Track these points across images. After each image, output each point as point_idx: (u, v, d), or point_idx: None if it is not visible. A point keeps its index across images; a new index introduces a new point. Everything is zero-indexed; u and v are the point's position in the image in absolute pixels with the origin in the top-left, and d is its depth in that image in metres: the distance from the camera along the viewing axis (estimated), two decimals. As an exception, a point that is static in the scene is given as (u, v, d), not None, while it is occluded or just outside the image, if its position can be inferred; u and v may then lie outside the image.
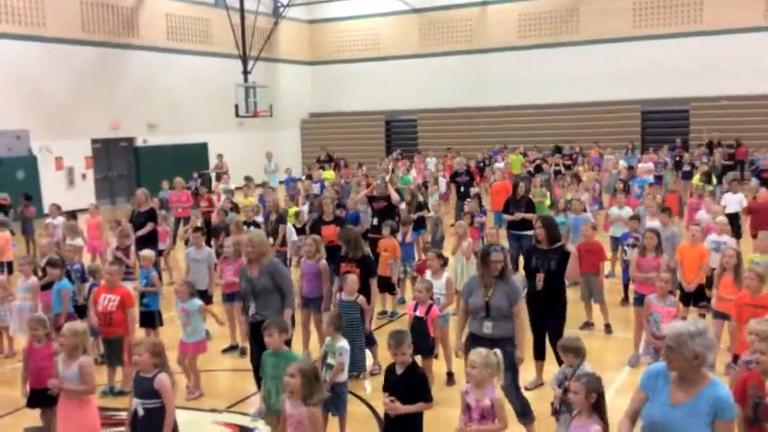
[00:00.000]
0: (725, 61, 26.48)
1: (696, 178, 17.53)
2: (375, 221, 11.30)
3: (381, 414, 5.44)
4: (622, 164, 20.10)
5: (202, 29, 29.37)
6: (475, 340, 5.89)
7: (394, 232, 10.45)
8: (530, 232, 10.31)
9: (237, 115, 27.08)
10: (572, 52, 29.55)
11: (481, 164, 23.94)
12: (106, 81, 24.86)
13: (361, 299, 7.60)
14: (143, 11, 26.63)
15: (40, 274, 8.70)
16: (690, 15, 28.22)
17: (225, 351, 8.93)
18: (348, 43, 35.06)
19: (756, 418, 4.29)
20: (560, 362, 5.72)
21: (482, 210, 13.07)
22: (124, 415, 6.18)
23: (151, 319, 8.54)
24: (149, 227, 12.01)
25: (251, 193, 16.22)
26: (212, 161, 26.67)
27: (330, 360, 6.16)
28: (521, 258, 8.92)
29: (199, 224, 14.06)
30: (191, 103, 27.95)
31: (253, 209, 12.88)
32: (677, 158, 22.75)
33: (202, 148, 28.54)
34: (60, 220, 13.38)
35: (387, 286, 10.00)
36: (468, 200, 13.93)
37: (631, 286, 9.39)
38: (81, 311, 8.44)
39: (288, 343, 5.97)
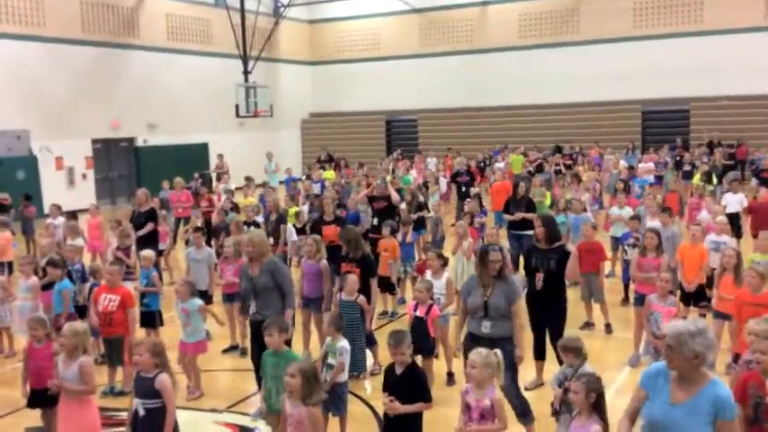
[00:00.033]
0: (725, 61, 26.48)
1: (696, 178, 17.53)
2: (375, 221, 11.31)
3: (381, 414, 5.43)
4: (623, 164, 20.10)
5: (203, 29, 29.37)
6: (473, 340, 5.89)
7: (394, 232, 10.45)
8: (530, 232, 10.29)
9: (238, 115, 27.08)
10: (572, 52, 29.55)
11: (482, 164, 23.93)
12: (106, 81, 24.87)
13: (362, 299, 7.60)
14: (143, 11, 26.63)
15: (40, 274, 8.70)
16: (690, 15, 28.22)
17: (225, 351, 8.94)
18: (348, 43, 35.06)
19: (757, 418, 4.29)
20: (561, 362, 5.72)
21: (482, 210, 13.07)
22: (124, 415, 6.19)
23: (152, 319, 8.54)
24: (150, 227, 12.01)
25: (251, 193, 16.23)
26: (213, 161, 26.67)
27: (330, 360, 6.16)
28: (521, 258, 8.90)
29: (199, 224, 14.05)
30: (191, 103, 27.95)
31: (253, 209, 12.88)
32: (678, 158, 22.75)
33: (203, 148, 28.54)
34: (61, 220, 13.39)
35: (386, 286, 10.00)
36: (469, 200, 13.94)
37: (632, 286, 9.39)
38: (81, 311, 8.44)
39: (288, 343, 5.97)
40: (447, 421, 5.76)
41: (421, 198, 14.04)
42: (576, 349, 5.43)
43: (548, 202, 14.56)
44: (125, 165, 26.78)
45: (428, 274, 7.91)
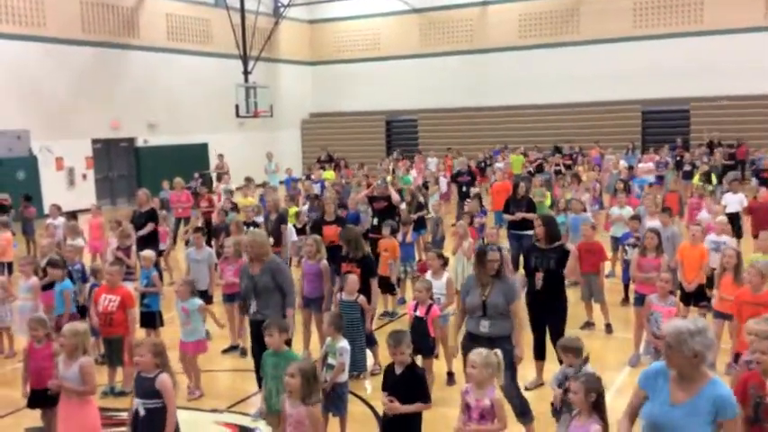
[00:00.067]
0: (725, 61, 26.48)
1: (696, 178, 17.53)
2: (375, 221, 11.32)
3: (381, 414, 5.43)
4: (623, 164, 20.10)
5: (203, 29, 29.37)
6: (472, 339, 5.89)
7: (394, 232, 10.46)
8: (530, 232, 10.27)
9: (238, 115, 27.08)
10: (572, 52, 29.54)
11: (482, 164, 23.93)
12: (106, 81, 24.87)
13: (362, 299, 7.60)
14: (143, 11, 26.64)
15: (40, 274, 8.70)
16: (690, 15, 28.22)
17: (225, 351, 8.94)
18: (348, 43, 35.06)
19: (757, 418, 4.29)
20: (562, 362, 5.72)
21: (483, 210, 13.07)
22: (125, 415, 6.20)
23: (152, 320, 8.54)
24: (150, 227, 12.01)
25: (251, 194, 16.23)
26: (213, 161, 26.67)
27: (331, 360, 6.16)
28: (521, 258, 8.91)
29: (199, 224, 14.05)
30: (191, 104, 27.95)
31: (253, 209, 12.89)
32: (678, 158, 22.75)
33: (203, 148, 28.54)
34: (61, 220, 13.39)
35: (386, 286, 10.00)
36: (469, 200, 13.94)
37: (632, 286, 9.39)
38: (82, 311, 8.45)
39: (288, 343, 5.97)
40: (447, 421, 5.76)
41: (421, 198, 14.03)
42: (576, 349, 5.43)
43: (548, 202, 14.56)
44: (125, 165, 26.78)
45: (428, 274, 7.91)
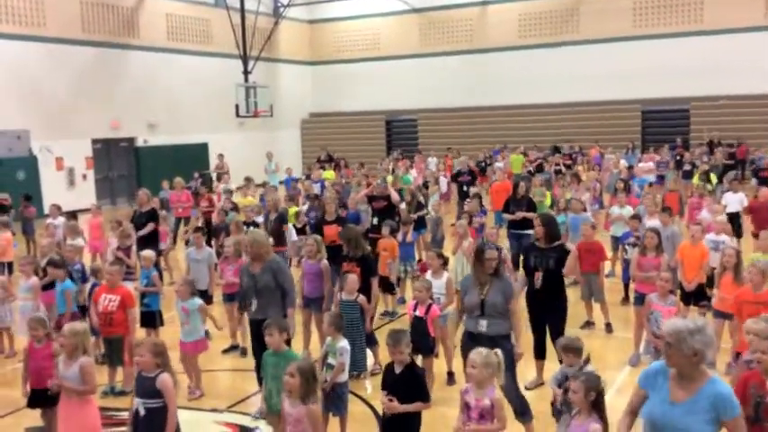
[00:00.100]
0: (725, 61, 26.48)
1: (696, 178, 17.52)
2: (375, 221, 11.32)
3: (381, 414, 5.43)
4: (623, 163, 20.10)
5: (202, 29, 29.37)
6: (472, 339, 5.89)
7: (393, 232, 10.45)
8: (530, 232, 10.27)
9: (238, 115, 27.08)
10: (572, 52, 29.54)
11: (482, 163, 23.93)
12: (106, 81, 24.87)
13: (362, 298, 7.59)
14: (143, 11, 26.63)
15: (40, 274, 8.71)
16: (690, 15, 28.22)
17: (225, 351, 8.94)
18: (348, 43, 35.06)
19: (757, 418, 4.29)
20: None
21: (483, 209, 13.06)
22: (125, 415, 6.20)
23: (152, 319, 8.54)
24: (150, 227, 12.01)
25: (250, 193, 16.23)
26: (213, 161, 26.67)
27: (331, 360, 6.15)
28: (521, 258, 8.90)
29: (199, 224, 14.06)
30: (191, 103, 27.95)
31: (253, 209, 12.88)
32: (678, 158, 22.75)
33: (203, 148, 28.54)
34: (61, 220, 13.40)
35: (385, 286, 10.00)
36: (468, 200, 13.93)
37: (632, 285, 9.39)
38: (82, 311, 8.45)
39: (288, 342, 5.97)
40: (446, 421, 5.76)
41: (420, 198, 14.03)
42: (576, 349, 5.43)
43: (548, 201, 14.55)
44: (125, 165, 26.78)
45: (428, 274, 7.91)
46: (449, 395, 6.84)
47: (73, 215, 14.03)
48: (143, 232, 11.85)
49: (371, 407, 6.93)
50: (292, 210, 13.07)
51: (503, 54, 31.06)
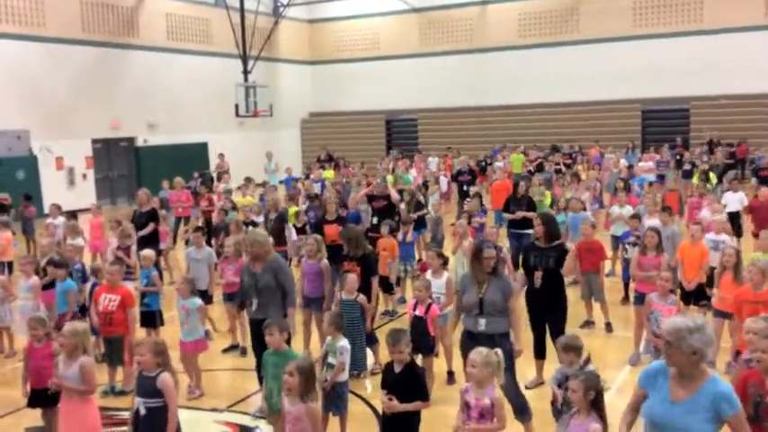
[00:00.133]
0: (725, 60, 26.48)
1: (696, 177, 17.53)
2: (375, 220, 11.32)
3: (381, 413, 5.43)
4: (623, 162, 20.10)
5: (202, 29, 29.37)
6: (471, 338, 5.90)
7: (393, 231, 10.45)
8: (530, 231, 10.26)
9: (238, 115, 27.08)
10: (572, 51, 29.54)
11: (483, 163, 23.94)
12: (106, 81, 24.87)
13: (362, 297, 7.59)
14: (143, 11, 26.63)
15: (41, 274, 8.71)
16: (690, 14, 28.22)
17: (225, 351, 8.94)
18: (348, 43, 35.06)
19: (757, 417, 4.29)
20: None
21: (483, 209, 13.06)
22: (125, 415, 6.21)
23: (152, 319, 8.55)
24: (151, 227, 12.01)
25: (249, 193, 16.23)
26: (213, 161, 26.69)
27: (331, 359, 6.15)
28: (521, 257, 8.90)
29: (199, 224, 14.06)
30: (191, 103, 27.95)
31: (252, 209, 12.89)
32: (678, 157, 22.76)
33: (202, 147, 28.54)
34: (61, 219, 13.40)
35: (385, 286, 9.99)
36: (468, 199, 13.93)
37: (632, 285, 9.39)
38: (82, 311, 8.45)
39: (288, 342, 5.97)
40: (446, 420, 5.76)
41: (420, 197, 14.02)
42: (576, 348, 5.43)
43: (548, 201, 14.57)
44: (125, 165, 26.78)
45: (428, 274, 7.91)
46: (449, 394, 6.85)
47: (73, 215, 14.04)
48: (144, 233, 11.86)
49: (371, 406, 6.93)
50: (292, 209, 13.07)
51: (503, 54, 31.06)
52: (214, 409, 7.16)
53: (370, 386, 7.46)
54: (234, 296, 8.60)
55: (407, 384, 5.07)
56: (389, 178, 17.38)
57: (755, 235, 10.58)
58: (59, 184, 23.26)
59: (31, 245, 15.52)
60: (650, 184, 17.56)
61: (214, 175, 24.09)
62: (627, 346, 8.29)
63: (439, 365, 7.45)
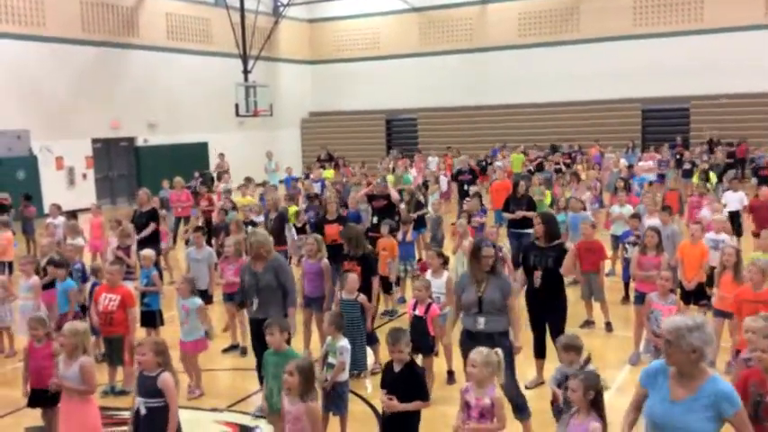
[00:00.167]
0: (725, 59, 26.47)
1: (696, 176, 17.52)
2: (375, 220, 11.32)
3: (381, 412, 5.43)
4: (623, 162, 20.09)
5: (202, 28, 29.37)
6: (470, 337, 5.90)
7: (393, 231, 10.45)
8: (530, 231, 10.27)
9: (238, 115, 27.08)
10: (572, 51, 29.54)
11: (483, 162, 23.94)
12: (106, 81, 24.87)
13: (362, 297, 7.59)
14: (143, 10, 26.63)
15: (41, 273, 8.71)
16: (690, 14, 28.22)
17: (225, 350, 8.94)
18: (348, 42, 35.06)
19: (757, 417, 4.29)
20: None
21: (483, 208, 13.06)
22: (125, 414, 6.21)
23: (152, 319, 8.55)
24: (152, 227, 12.01)
25: (249, 193, 16.23)
26: (213, 161, 26.69)
27: (331, 359, 6.15)
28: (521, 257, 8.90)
29: (199, 224, 14.06)
30: (191, 103, 27.95)
31: (252, 208, 12.88)
32: (678, 157, 22.76)
33: (203, 147, 28.54)
34: (61, 219, 13.40)
35: (384, 285, 9.99)
36: (468, 198, 13.93)
37: (632, 284, 9.39)
38: (82, 311, 8.46)
39: (288, 341, 5.97)
40: (446, 419, 5.77)
41: (420, 197, 14.02)
42: (576, 347, 5.43)
43: (547, 200, 14.56)
44: (125, 164, 26.78)
45: (428, 273, 7.91)
46: (449, 394, 6.85)
47: (73, 215, 14.04)
48: (145, 233, 11.85)
49: (372, 406, 6.93)
50: (292, 209, 13.07)
51: (503, 53, 31.06)
52: (214, 409, 7.17)
53: (371, 386, 7.46)
54: (234, 296, 8.61)
55: (407, 384, 5.07)
56: (390, 178, 17.38)
57: (756, 234, 10.58)
58: (59, 183, 23.27)
59: (31, 245, 15.52)
60: (650, 183, 17.59)
61: (214, 174, 24.08)
62: (627, 345, 8.29)
63: (439, 365, 7.45)
